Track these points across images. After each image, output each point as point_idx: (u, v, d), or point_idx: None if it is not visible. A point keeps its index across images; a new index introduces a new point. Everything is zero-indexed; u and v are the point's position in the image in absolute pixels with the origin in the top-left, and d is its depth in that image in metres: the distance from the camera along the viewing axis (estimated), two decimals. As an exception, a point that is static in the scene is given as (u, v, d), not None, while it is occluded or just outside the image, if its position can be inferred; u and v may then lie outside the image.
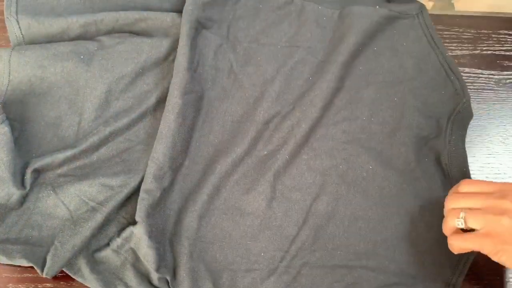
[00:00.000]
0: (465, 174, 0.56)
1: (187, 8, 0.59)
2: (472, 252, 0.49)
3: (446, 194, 0.49)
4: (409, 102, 0.59)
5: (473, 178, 0.56)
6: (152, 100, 0.57)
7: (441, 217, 0.48)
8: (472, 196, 0.45)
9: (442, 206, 0.48)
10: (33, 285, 0.52)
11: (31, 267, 0.50)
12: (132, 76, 0.58)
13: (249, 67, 0.60)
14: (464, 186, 0.47)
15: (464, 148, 0.57)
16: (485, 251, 0.43)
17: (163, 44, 0.59)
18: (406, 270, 0.52)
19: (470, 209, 0.44)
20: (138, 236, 0.49)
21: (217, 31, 0.61)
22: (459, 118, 0.58)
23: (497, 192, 0.44)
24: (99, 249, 0.51)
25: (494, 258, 0.43)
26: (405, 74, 0.60)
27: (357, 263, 0.52)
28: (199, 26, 0.60)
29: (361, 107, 0.59)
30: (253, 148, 0.56)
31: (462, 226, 0.45)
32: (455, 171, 0.56)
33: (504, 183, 0.45)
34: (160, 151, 0.53)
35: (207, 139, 0.56)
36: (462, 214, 0.44)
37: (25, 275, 0.52)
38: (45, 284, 0.52)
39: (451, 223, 0.45)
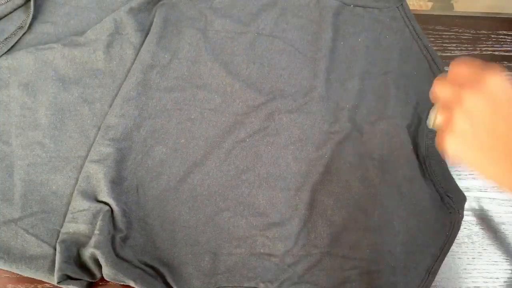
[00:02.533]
0: (444, 169, 0.57)
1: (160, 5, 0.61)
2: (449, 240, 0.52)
3: (427, 185, 0.50)
4: (392, 93, 0.60)
5: (471, 178, 0.56)
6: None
7: (422, 207, 0.49)
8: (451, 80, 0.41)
9: (423, 196, 0.49)
10: (32, 286, 0.52)
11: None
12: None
13: (226, 56, 0.60)
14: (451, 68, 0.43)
15: None
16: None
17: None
18: (388, 259, 0.52)
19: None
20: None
21: (193, 23, 0.62)
22: None
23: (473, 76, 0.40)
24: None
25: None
26: (388, 65, 0.61)
27: (339, 251, 0.53)
28: (171, 23, 0.61)
29: (346, 98, 0.59)
30: (235, 137, 0.57)
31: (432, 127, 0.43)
32: (434, 165, 0.56)
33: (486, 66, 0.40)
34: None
35: (185, 126, 0.57)
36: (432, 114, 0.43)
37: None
38: (44, 284, 0.52)
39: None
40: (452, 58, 0.63)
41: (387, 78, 0.60)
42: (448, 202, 0.55)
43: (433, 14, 0.66)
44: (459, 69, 0.42)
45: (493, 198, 0.58)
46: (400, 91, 0.60)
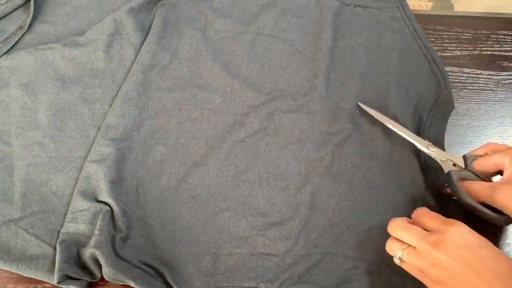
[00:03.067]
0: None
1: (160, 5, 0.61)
2: None
3: (428, 186, 0.51)
4: (393, 93, 0.60)
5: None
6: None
7: (424, 206, 0.49)
8: (412, 232, 0.45)
9: (424, 198, 0.51)
10: (32, 286, 0.52)
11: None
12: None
13: (226, 56, 0.61)
14: (415, 214, 0.48)
15: (442, 143, 0.58)
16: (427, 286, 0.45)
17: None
18: (388, 259, 0.52)
19: (409, 245, 0.45)
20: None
21: (193, 23, 0.62)
22: (441, 109, 0.59)
23: (434, 234, 0.44)
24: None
25: None
26: (389, 65, 0.61)
27: (340, 251, 0.53)
28: (171, 23, 0.61)
29: (346, 98, 0.59)
30: (235, 137, 0.57)
31: (399, 264, 0.46)
32: (434, 166, 0.56)
33: (446, 221, 0.45)
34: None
35: (185, 126, 0.57)
36: (399, 254, 0.46)
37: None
38: (45, 284, 0.52)
39: (391, 251, 0.47)
40: (452, 58, 0.63)
41: (388, 78, 0.60)
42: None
43: (433, 14, 0.66)
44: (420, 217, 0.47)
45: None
46: (401, 91, 0.60)
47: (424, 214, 0.47)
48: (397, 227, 0.47)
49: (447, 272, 0.42)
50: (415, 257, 0.44)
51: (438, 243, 0.43)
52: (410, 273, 0.46)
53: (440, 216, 0.46)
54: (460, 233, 0.43)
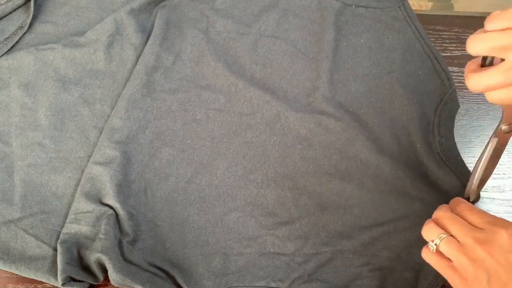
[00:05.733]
0: (461, 163, 0.57)
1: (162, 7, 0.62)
2: None
3: (443, 180, 0.51)
4: (397, 92, 0.60)
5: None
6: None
7: (438, 200, 0.48)
8: (458, 223, 0.43)
9: (438, 190, 0.49)
10: (32, 286, 0.52)
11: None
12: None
13: (228, 57, 0.61)
14: (458, 206, 0.45)
15: (453, 139, 0.58)
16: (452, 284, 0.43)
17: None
18: (402, 256, 0.52)
19: (450, 235, 0.43)
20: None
21: (195, 24, 0.62)
22: (447, 109, 0.59)
23: (481, 231, 0.42)
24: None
25: None
26: (392, 65, 0.61)
27: (350, 249, 0.53)
28: (173, 24, 0.62)
29: (350, 98, 0.59)
30: (242, 137, 0.57)
31: (433, 251, 0.44)
32: (451, 160, 0.57)
33: (495, 221, 0.42)
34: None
35: (191, 127, 0.57)
36: (437, 241, 0.43)
37: (24, 275, 0.52)
38: (45, 284, 0.52)
39: (428, 235, 0.45)
40: (452, 58, 0.64)
41: (391, 78, 0.60)
42: (467, 192, 0.54)
43: (433, 14, 0.66)
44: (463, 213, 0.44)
45: (493, 198, 0.58)
46: (405, 90, 0.60)
47: (470, 210, 0.44)
48: (444, 216, 0.44)
49: (487, 274, 0.40)
50: (456, 249, 0.41)
51: (484, 242, 0.40)
52: (435, 266, 0.44)
53: (489, 214, 0.43)
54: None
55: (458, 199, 0.46)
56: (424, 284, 0.51)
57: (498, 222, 0.42)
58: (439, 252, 0.43)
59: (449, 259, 0.43)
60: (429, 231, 0.44)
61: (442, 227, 0.44)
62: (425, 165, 0.56)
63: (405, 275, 0.52)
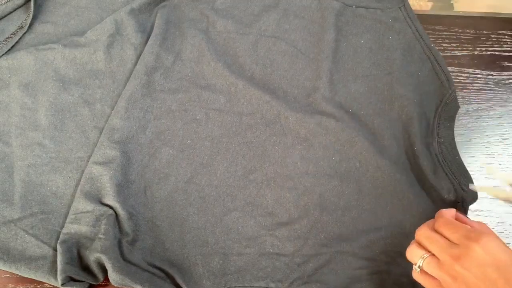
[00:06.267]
0: (460, 163, 0.56)
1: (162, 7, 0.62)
2: None
3: (439, 183, 0.50)
4: (397, 93, 0.59)
5: (472, 178, 0.56)
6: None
7: (433, 208, 0.49)
8: (435, 242, 0.44)
9: (434, 196, 0.49)
10: (32, 286, 0.52)
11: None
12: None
13: (228, 57, 0.61)
14: (436, 222, 0.46)
15: (453, 139, 0.58)
16: None
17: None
18: (398, 259, 0.52)
19: (431, 255, 0.44)
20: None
21: (195, 24, 0.62)
22: (447, 109, 0.59)
23: (456, 247, 0.42)
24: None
25: None
26: (392, 66, 0.61)
27: (349, 251, 0.53)
28: (173, 24, 0.62)
29: (350, 99, 0.59)
30: (242, 137, 0.57)
31: (417, 271, 0.45)
32: (448, 161, 0.56)
33: (468, 234, 0.42)
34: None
35: (190, 127, 0.57)
36: (420, 262, 0.44)
37: (24, 275, 0.52)
38: (44, 284, 0.52)
39: (411, 258, 0.45)
40: (452, 58, 0.64)
41: (391, 79, 0.60)
42: (461, 195, 0.55)
43: (433, 14, 0.66)
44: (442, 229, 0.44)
45: (494, 199, 0.58)
46: (405, 91, 0.59)
47: (446, 225, 0.44)
48: (423, 235, 0.45)
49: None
50: (437, 268, 0.43)
51: (460, 257, 0.41)
52: (425, 285, 0.44)
53: (463, 227, 0.44)
54: (486, 249, 0.41)
55: (440, 212, 0.47)
56: None
57: (471, 236, 0.42)
58: (425, 272, 0.44)
59: (435, 278, 0.43)
60: (412, 253, 0.45)
61: (423, 246, 0.45)
62: (422, 169, 0.56)
63: (403, 280, 0.52)
